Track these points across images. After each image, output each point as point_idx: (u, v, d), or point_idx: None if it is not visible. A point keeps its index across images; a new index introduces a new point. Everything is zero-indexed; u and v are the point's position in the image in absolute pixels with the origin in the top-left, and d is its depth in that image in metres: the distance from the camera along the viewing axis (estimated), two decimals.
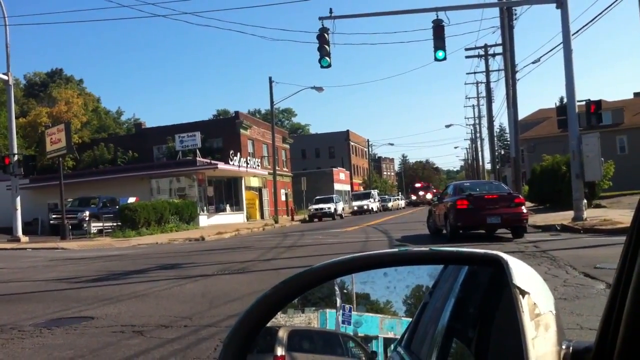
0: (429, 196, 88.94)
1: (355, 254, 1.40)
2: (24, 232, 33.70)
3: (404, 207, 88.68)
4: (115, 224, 36.97)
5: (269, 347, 1.48)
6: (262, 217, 60.38)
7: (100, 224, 36.97)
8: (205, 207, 49.04)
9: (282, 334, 1.48)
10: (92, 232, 36.86)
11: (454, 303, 1.38)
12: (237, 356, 1.40)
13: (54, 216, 39.58)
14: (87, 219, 37.92)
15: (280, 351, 1.46)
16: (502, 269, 1.05)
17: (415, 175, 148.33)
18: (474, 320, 1.31)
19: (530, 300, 0.95)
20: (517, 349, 0.90)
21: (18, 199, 32.77)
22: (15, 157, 32.70)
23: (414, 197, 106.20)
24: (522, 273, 1.02)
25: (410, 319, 1.52)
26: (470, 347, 1.24)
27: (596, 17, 23.44)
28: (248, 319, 1.40)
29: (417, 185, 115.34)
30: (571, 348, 0.96)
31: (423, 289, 1.50)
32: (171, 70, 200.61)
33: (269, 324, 1.48)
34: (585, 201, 22.34)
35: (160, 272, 14.39)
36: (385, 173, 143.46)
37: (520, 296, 0.95)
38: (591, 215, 22.37)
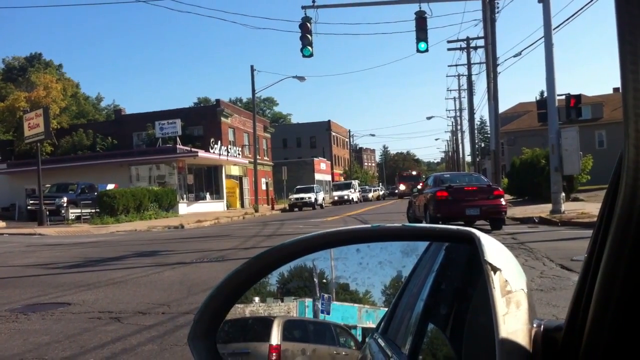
0: (419, 187, 72.91)
1: (327, 230, 1.40)
2: (1, 218, 33.47)
3: (384, 198, 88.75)
4: (93, 211, 36.69)
5: (264, 337, 1.50)
6: (242, 205, 60.27)
7: (78, 211, 36.69)
8: (185, 195, 48.89)
9: (277, 324, 1.51)
10: (70, 218, 36.52)
11: (430, 287, 1.38)
12: (208, 331, 1.41)
13: (31, 202, 39.18)
14: (65, 205, 37.58)
15: (275, 340, 1.49)
16: (474, 245, 1.05)
17: (397, 166, 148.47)
18: (450, 302, 1.32)
19: (502, 277, 0.95)
20: (489, 327, 0.90)
21: None
22: None
23: (402, 187, 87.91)
24: (495, 250, 1.02)
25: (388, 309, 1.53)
26: (446, 328, 1.24)
27: (577, 11, 23.63)
28: (220, 294, 1.40)
29: (407, 173, 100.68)
30: (542, 326, 0.97)
31: (402, 279, 1.51)
32: (152, 57, 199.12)
33: (263, 314, 1.53)
34: (563, 194, 22.55)
35: (139, 259, 14.33)
36: (366, 164, 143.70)
37: (492, 272, 0.95)
38: (569, 208, 22.60)
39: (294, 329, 1.55)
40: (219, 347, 1.49)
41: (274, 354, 1.47)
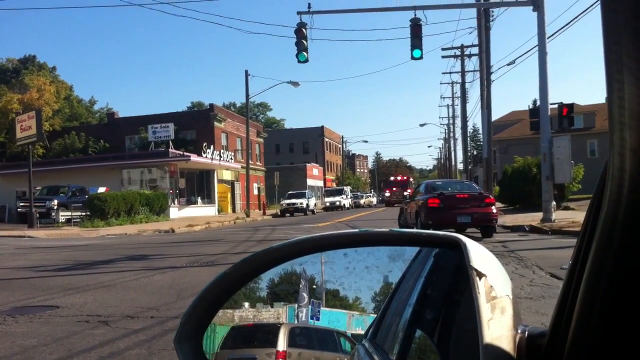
0: (406, 193, 62.69)
1: (315, 234, 1.41)
2: None
3: (375, 205, 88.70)
4: (84, 214, 36.61)
5: (271, 343, 1.53)
6: (233, 210, 60.20)
7: (69, 213, 36.60)
8: (176, 199, 48.78)
9: (284, 330, 1.54)
10: (60, 221, 36.42)
11: (419, 293, 1.39)
12: (195, 334, 1.41)
13: (21, 204, 39.07)
14: (55, 207, 37.48)
15: (282, 347, 1.51)
16: (461, 252, 1.06)
17: (389, 172, 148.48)
18: (439, 308, 1.32)
19: (487, 282, 0.96)
20: (475, 333, 0.90)
21: None
22: None
23: (387, 194, 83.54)
24: (480, 256, 1.02)
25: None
26: (434, 334, 1.24)
27: (571, 21, 23.75)
28: (207, 297, 1.41)
29: (394, 178, 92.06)
30: (527, 332, 0.97)
31: (389, 284, 1.51)
32: (146, 61, 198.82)
33: (254, 320, 1.57)
34: (554, 203, 22.61)
35: (128, 263, 14.27)
36: (358, 170, 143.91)
37: (477, 278, 0.96)
38: (560, 217, 22.67)
39: (299, 336, 1.57)
40: (228, 352, 1.54)
41: None
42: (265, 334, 1.58)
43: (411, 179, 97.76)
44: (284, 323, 1.55)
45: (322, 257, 1.47)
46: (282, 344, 1.51)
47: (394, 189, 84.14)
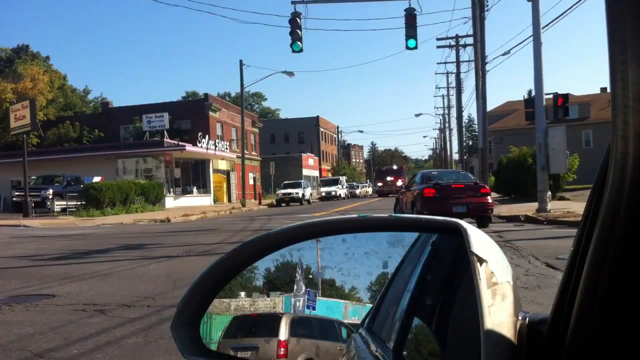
0: (399, 183, 67.30)
1: (314, 220, 1.41)
2: None
3: (371, 195, 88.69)
4: (79, 203, 36.54)
5: (273, 332, 1.55)
6: (229, 200, 60.16)
7: (64, 203, 36.53)
8: (171, 189, 48.71)
9: (285, 320, 1.55)
10: (55, 210, 36.35)
11: (417, 280, 1.38)
12: (192, 320, 1.41)
13: (16, 193, 38.96)
14: (50, 197, 37.41)
15: (284, 336, 1.53)
16: (461, 237, 1.05)
17: (384, 162, 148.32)
18: (437, 294, 1.32)
19: (488, 268, 0.95)
20: (475, 319, 0.90)
21: None
22: None
23: (380, 184, 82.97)
24: (481, 241, 1.02)
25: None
26: (432, 320, 1.24)
27: (566, 11, 23.69)
28: (205, 283, 1.41)
29: (385, 169, 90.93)
30: (527, 319, 0.97)
31: (388, 269, 1.51)
32: (141, 50, 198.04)
33: (262, 310, 1.58)
34: (549, 193, 22.65)
35: (124, 252, 14.27)
36: (354, 160, 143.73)
37: (478, 264, 0.95)
38: (555, 207, 22.71)
39: (300, 326, 1.59)
40: (230, 341, 1.55)
41: (282, 349, 1.52)
42: (267, 324, 1.59)
43: (404, 168, 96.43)
44: (286, 313, 1.56)
45: (321, 242, 1.47)
46: (283, 333, 1.53)
47: (386, 179, 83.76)
